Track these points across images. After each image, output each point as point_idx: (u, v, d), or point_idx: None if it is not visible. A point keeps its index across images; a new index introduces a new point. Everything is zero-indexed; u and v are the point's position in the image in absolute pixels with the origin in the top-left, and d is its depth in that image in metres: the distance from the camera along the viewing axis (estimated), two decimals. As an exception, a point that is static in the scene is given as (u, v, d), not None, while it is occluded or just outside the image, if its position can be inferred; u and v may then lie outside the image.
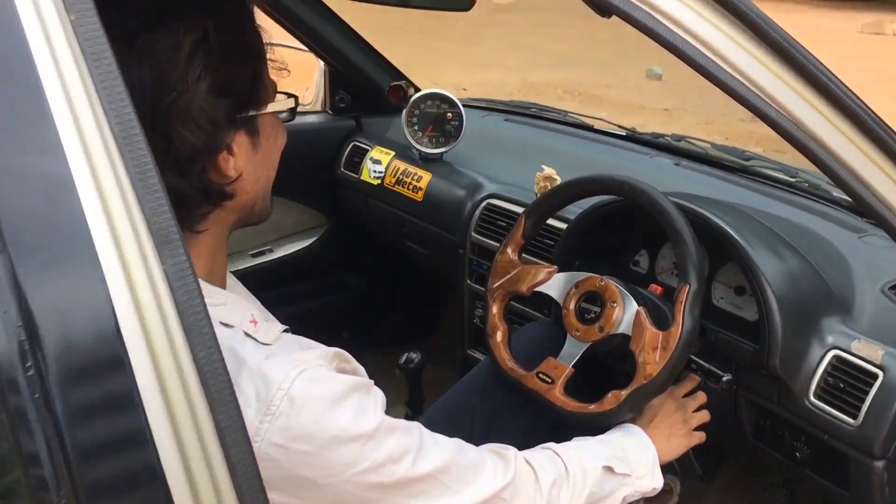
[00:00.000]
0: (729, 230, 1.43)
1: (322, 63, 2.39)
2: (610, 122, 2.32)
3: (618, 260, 1.70)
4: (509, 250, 1.54)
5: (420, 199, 2.15)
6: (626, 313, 1.37)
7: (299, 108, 2.53)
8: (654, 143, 2.18)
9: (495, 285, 1.54)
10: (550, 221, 1.70)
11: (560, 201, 1.54)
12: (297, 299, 2.51)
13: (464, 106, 2.29)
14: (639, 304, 1.36)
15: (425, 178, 2.16)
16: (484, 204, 1.97)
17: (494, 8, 14.77)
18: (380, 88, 2.31)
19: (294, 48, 2.39)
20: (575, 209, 1.61)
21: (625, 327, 1.36)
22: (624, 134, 2.26)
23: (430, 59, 9.46)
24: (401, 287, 2.72)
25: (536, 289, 1.50)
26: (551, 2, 16.83)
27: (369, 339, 2.70)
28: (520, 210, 1.80)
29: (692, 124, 7.60)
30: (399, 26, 11.20)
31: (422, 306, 2.74)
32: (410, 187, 2.18)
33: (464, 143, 2.20)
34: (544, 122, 2.41)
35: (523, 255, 1.57)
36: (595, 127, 2.34)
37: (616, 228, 1.65)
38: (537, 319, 1.79)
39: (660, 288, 1.48)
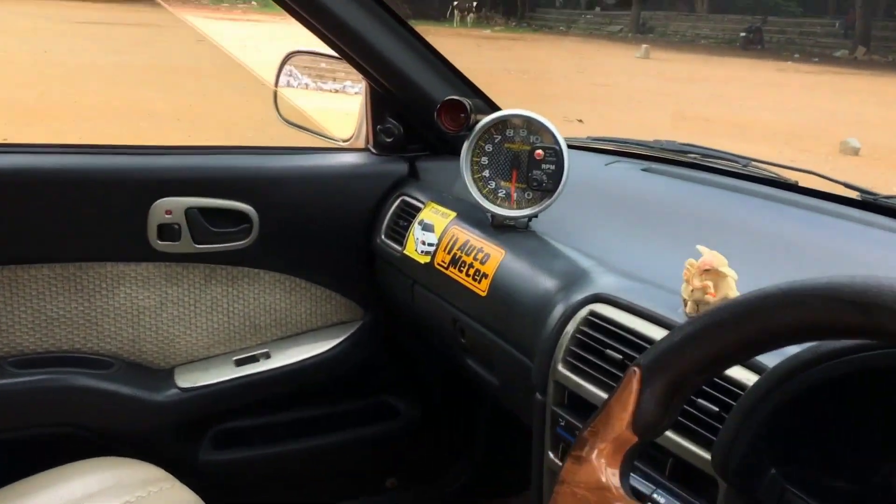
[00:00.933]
0: None
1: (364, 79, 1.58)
2: (831, 179, 1.33)
3: (869, 473, 0.74)
4: (598, 458, 0.61)
5: (484, 293, 1.26)
6: None
7: (331, 145, 1.73)
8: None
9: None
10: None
11: (734, 344, 0.59)
12: (314, 430, 1.67)
13: (579, 148, 1.40)
14: None
15: (495, 257, 1.26)
16: (585, 312, 1.05)
17: (667, 77, 13.86)
18: None
19: (320, 55, 1.61)
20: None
21: None
22: (858, 198, 1.26)
23: (595, 128, 8.69)
24: (472, 420, 1.81)
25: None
26: (727, 72, 15.75)
27: (425, 493, 1.80)
28: (652, 332, 0.90)
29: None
30: (562, 95, 10.55)
31: (501, 453, 1.81)
32: (471, 271, 1.29)
33: (568, 204, 1.30)
34: (709, 174, 1.45)
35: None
36: (800, 185, 1.36)
37: (866, 404, 0.70)
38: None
39: None
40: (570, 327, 1.06)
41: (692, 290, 0.96)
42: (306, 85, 1.93)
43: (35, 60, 10.13)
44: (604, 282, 1.09)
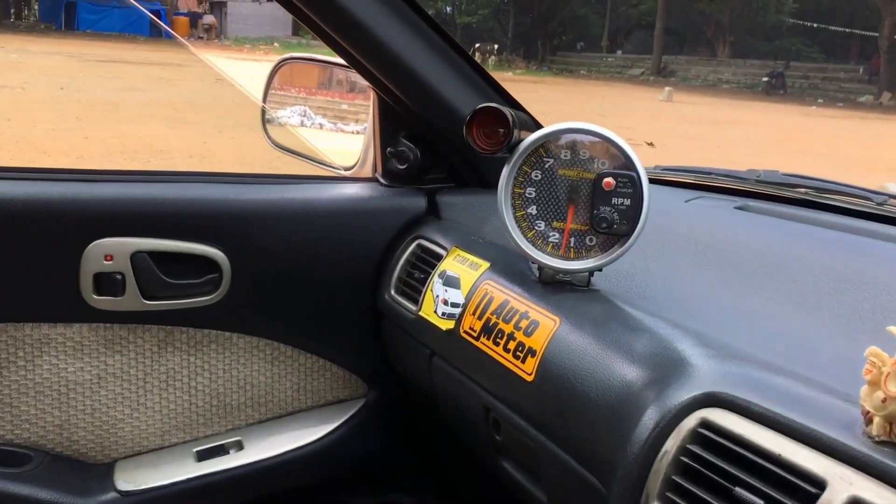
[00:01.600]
0: None
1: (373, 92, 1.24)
2: None
3: None
4: None
5: (530, 377, 0.90)
6: None
7: (329, 173, 1.39)
8: None
9: None
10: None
11: None
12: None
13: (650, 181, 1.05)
14: None
15: (546, 326, 0.90)
16: (693, 421, 0.69)
17: (691, 120, 13.57)
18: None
19: (316, 60, 1.28)
20: None
21: None
22: None
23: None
24: None
25: None
26: (753, 116, 15.45)
27: None
28: (816, 466, 0.56)
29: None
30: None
31: None
32: (511, 345, 0.93)
33: (641, 254, 0.94)
34: (829, 214, 1.09)
35: None
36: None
37: None
38: None
39: None
40: (671, 445, 0.69)
41: (884, 400, 0.59)
42: (320, 125, 1.63)
43: (51, 97, 9.99)
44: (717, 372, 0.73)
